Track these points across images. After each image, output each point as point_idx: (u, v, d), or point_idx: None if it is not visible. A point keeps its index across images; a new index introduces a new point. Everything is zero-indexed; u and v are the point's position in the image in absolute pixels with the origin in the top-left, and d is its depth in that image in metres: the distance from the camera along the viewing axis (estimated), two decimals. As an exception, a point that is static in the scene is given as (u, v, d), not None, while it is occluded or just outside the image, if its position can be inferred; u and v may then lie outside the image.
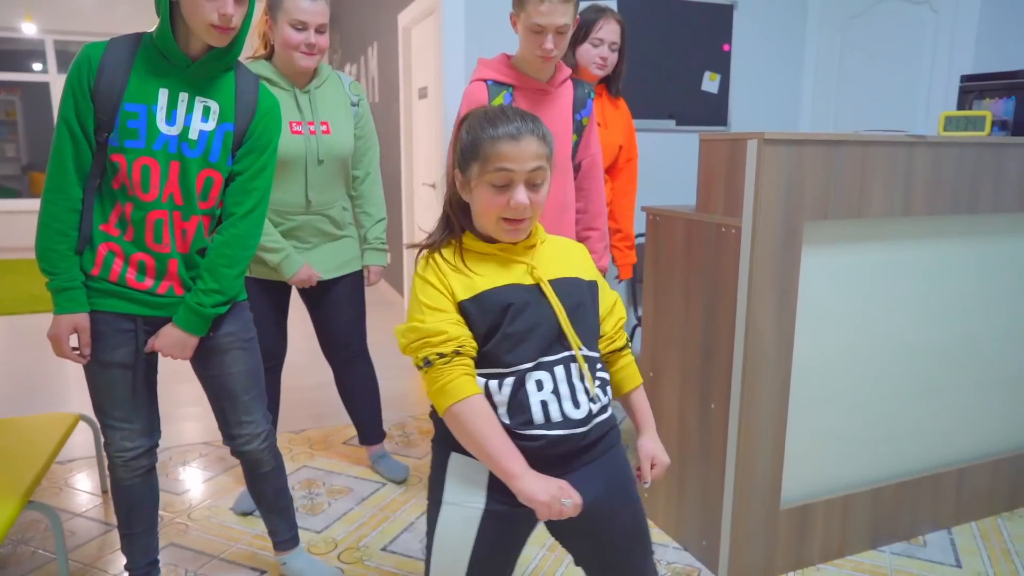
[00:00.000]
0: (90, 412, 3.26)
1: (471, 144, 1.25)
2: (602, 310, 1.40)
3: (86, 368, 1.73)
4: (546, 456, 1.23)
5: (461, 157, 1.27)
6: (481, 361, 1.24)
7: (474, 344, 1.23)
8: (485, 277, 1.26)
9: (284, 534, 2.06)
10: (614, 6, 3.37)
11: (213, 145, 1.66)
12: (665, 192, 3.48)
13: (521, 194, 1.22)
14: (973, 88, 2.46)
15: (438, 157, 4.66)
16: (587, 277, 1.36)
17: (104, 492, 2.67)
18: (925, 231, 2.22)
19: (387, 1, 5.33)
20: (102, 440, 1.84)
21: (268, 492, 2.00)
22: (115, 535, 2.36)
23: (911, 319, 2.27)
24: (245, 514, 2.51)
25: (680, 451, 2.29)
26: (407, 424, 3.36)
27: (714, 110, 3.66)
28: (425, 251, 1.31)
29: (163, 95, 1.60)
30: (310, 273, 2.39)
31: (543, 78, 2.08)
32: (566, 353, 1.26)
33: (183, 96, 1.62)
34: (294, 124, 2.28)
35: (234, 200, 1.73)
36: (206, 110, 1.64)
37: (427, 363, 1.22)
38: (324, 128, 2.34)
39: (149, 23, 1.63)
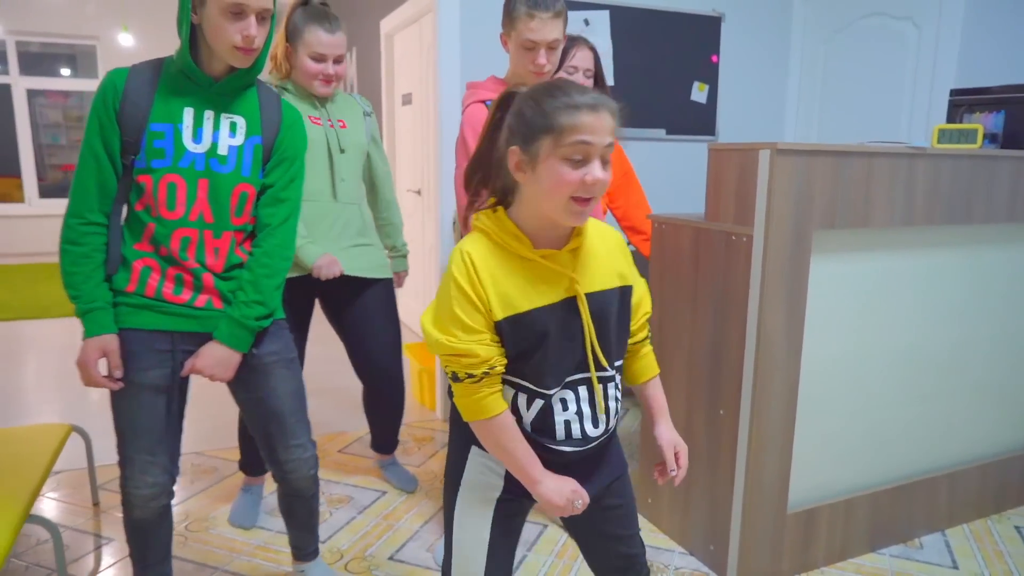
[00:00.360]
0: (79, 422, 3.19)
1: (541, 116, 1.14)
2: (638, 296, 1.38)
3: (113, 394, 1.65)
4: (561, 463, 1.28)
5: (527, 130, 1.16)
6: (511, 369, 1.24)
7: (504, 360, 1.22)
8: (524, 293, 1.20)
9: (309, 546, 2.03)
10: (606, 19, 3.41)
11: (244, 159, 1.64)
12: (657, 200, 3.52)
13: (598, 169, 1.14)
14: (963, 102, 2.54)
15: (424, 163, 4.64)
16: (622, 282, 1.31)
17: (95, 504, 2.59)
18: (923, 240, 2.28)
19: (367, 8, 5.31)
20: (120, 476, 1.71)
21: (303, 514, 1.96)
22: (112, 547, 2.30)
23: (909, 327, 2.33)
24: (245, 528, 2.46)
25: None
26: (401, 431, 3.33)
27: (702, 120, 3.72)
28: (462, 243, 1.23)
29: (188, 114, 1.59)
30: (332, 261, 2.26)
31: None
32: (589, 374, 1.28)
33: (208, 114, 1.61)
34: (313, 118, 2.30)
35: (268, 212, 1.71)
36: (233, 126, 1.63)
37: (455, 378, 1.22)
38: (341, 124, 2.37)
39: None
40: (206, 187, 1.60)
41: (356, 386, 2.75)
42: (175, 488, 1.79)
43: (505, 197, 1.25)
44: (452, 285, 1.20)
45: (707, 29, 3.65)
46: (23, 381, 4.00)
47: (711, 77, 3.70)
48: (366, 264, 2.42)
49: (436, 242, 4.47)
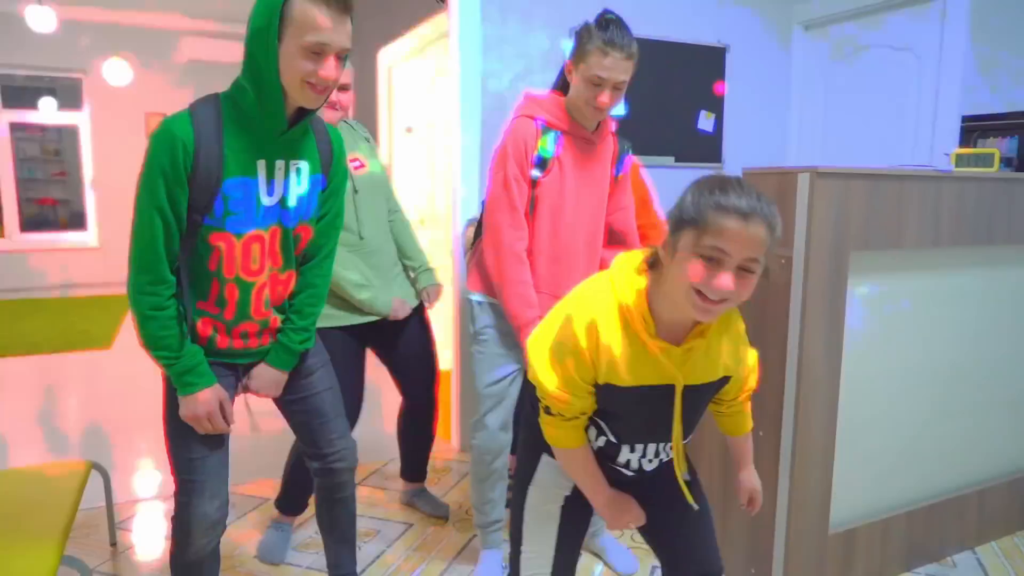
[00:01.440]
0: (96, 459, 3.10)
1: (695, 206, 1.11)
2: (733, 386, 1.43)
3: (175, 423, 1.61)
4: (618, 481, 1.44)
5: (679, 216, 1.14)
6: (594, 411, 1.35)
7: (594, 407, 1.32)
8: (631, 370, 1.24)
9: (347, 567, 1.98)
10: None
11: (310, 205, 1.64)
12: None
13: (727, 278, 1.09)
14: (975, 128, 2.62)
15: (428, 193, 4.65)
16: (724, 373, 1.34)
17: (112, 545, 2.51)
18: (950, 260, 2.33)
19: (364, 39, 5.34)
20: (179, 509, 1.66)
21: (343, 519, 1.94)
22: (137, 589, 2.23)
23: (939, 345, 2.36)
24: (275, 563, 2.40)
25: (723, 480, 2.31)
26: (418, 463, 3.28)
27: (709, 147, 3.78)
28: (592, 308, 1.23)
29: (261, 167, 1.53)
30: (402, 302, 2.42)
31: (590, 127, 2.11)
32: (663, 443, 1.40)
33: (279, 164, 1.55)
34: None
35: (318, 243, 1.73)
36: (298, 172, 1.60)
37: (548, 411, 1.32)
38: (358, 164, 2.37)
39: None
40: (277, 236, 1.60)
41: (370, 418, 2.72)
42: None
43: (655, 264, 1.23)
44: (570, 338, 1.24)
45: (712, 60, 3.73)
46: (16, 418, 3.88)
47: (717, 106, 3.77)
48: (408, 295, 2.52)
49: (439, 271, 4.46)
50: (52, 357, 5.25)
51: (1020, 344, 2.57)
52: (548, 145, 2.04)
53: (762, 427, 2.15)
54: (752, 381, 1.47)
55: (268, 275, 1.62)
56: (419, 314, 2.57)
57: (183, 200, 1.46)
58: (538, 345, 1.31)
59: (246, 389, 1.74)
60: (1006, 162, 2.51)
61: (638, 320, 1.20)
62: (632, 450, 1.37)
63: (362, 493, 2.95)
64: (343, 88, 2.28)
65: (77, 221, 8.75)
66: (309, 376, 1.81)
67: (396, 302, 2.40)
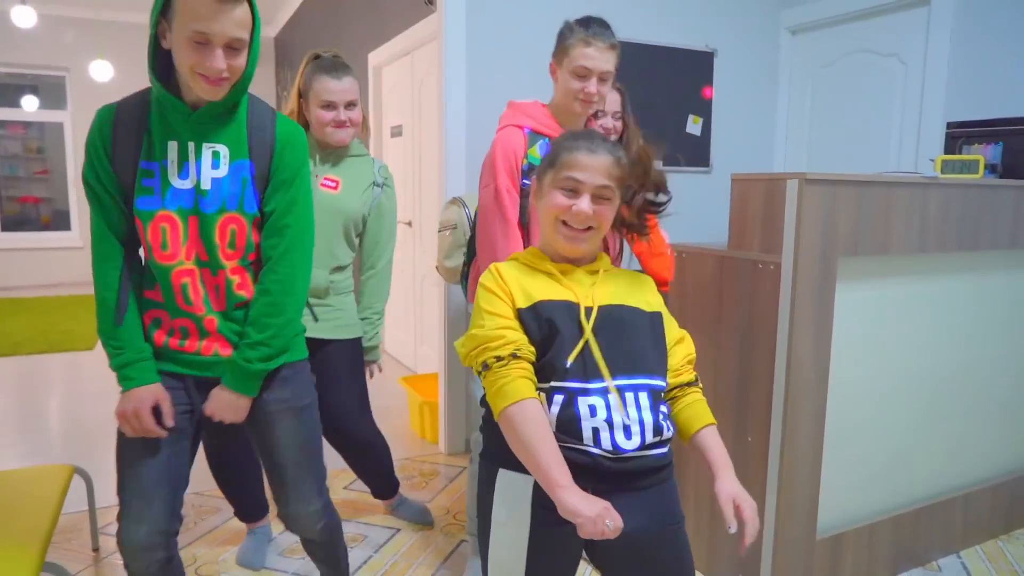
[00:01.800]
0: (80, 462, 3.07)
1: (552, 152, 1.36)
2: (669, 341, 1.39)
3: (119, 436, 1.55)
4: (591, 474, 1.21)
5: (543, 165, 1.39)
6: (538, 373, 1.27)
7: (532, 348, 1.26)
8: (542, 290, 1.31)
9: None
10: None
11: (228, 191, 1.51)
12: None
13: (585, 202, 1.30)
14: (960, 134, 2.64)
15: (415, 194, 4.63)
16: (648, 308, 1.37)
17: (95, 550, 2.48)
18: (936, 266, 2.35)
19: (354, 41, 5.33)
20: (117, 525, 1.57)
21: (320, 554, 1.89)
22: (120, 596, 2.19)
23: (926, 351, 2.38)
24: (254, 569, 2.37)
25: (711, 485, 2.30)
26: (406, 467, 3.27)
27: (697, 151, 3.79)
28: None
29: (173, 148, 1.49)
30: None
31: (578, 128, 2.09)
32: (611, 382, 1.25)
33: (192, 146, 1.50)
34: None
35: (269, 243, 1.57)
36: (215, 155, 1.51)
37: (485, 367, 1.25)
38: (332, 185, 2.26)
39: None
40: (197, 224, 1.51)
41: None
42: (176, 539, 1.62)
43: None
44: (479, 292, 1.33)
45: (701, 64, 3.74)
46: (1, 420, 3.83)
47: (705, 110, 3.79)
48: (323, 326, 2.29)
49: (427, 272, 4.46)
50: (34, 358, 5.18)
51: (1006, 349, 2.60)
52: (538, 152, 2.03)
53: (750, 432, 2.16)
54: (689, 347, 1.43)
55: (191, 266, 1.52)
56: (346, 345, 2.36)
57: (108, 180, 1.50)
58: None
59: (203, 414, 1.59)
60: (991, 168, 2.53)
61: (535, 259, 1.37)
62: (593, 413, 1.22)
63: (348, 498, 2.93)
64: (350, 105, 2.23)
65: (60, 220, 8.66)
66: (271, 422, 1.63)
67: None
